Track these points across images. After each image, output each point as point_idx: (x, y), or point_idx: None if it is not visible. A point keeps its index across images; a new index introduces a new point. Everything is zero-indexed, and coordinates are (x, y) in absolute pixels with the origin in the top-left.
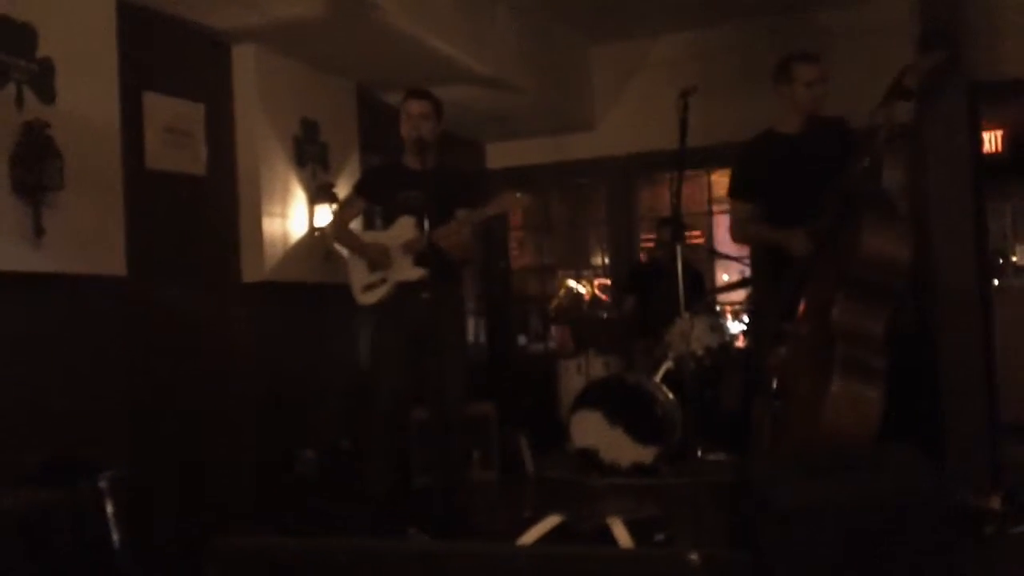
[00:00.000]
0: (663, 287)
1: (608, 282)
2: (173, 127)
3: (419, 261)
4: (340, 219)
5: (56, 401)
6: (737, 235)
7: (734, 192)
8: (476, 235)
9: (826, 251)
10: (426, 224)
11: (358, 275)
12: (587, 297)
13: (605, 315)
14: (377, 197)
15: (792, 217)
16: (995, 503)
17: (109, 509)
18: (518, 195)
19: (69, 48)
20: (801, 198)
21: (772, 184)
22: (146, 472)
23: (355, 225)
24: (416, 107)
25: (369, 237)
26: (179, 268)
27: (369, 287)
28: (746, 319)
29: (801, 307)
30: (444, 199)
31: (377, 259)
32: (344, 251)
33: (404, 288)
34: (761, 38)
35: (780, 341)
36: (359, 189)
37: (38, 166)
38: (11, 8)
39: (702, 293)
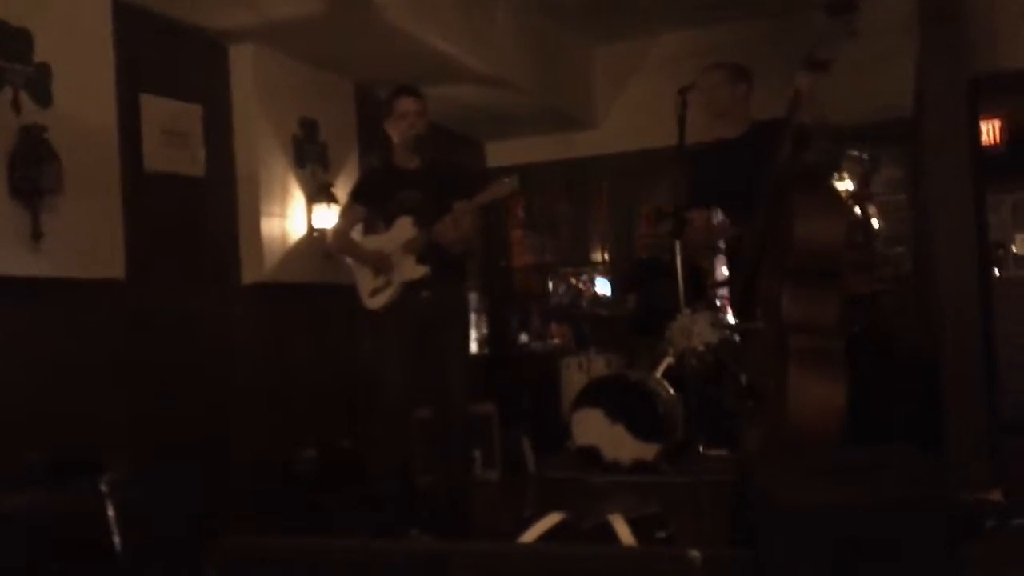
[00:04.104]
0: (663, 283)
1: (610, 279)
2: (171, 129)
3: (421, 260)
4: (340, 229)
5: (56, 404)
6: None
7: (693, 200)
8: (475, 225)
9: (769, 242)
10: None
11: (364, 281)
12: (587, 294)
13: (606, 312)
14: (375, 202)
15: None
16: (996, 495)
17: (110, 511)
18: (507, 179)
19: (65, 52)
20: (750, 199)
21: (723, 189)
22: (146, 473)
23: (356, 231)
24: (412, 105)
25: (370, 241)
26: (178, 270)
27: (375, 291)
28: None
29: (760, 303)
30: (441, 195)
31: (380, 264)
32: (349, 259)
33: (409, 288)
34: (760, 38)
35: (742, 338)
36: (356, 197)
37: (36, 170)
38: (7, 13)
39: (701, 289)
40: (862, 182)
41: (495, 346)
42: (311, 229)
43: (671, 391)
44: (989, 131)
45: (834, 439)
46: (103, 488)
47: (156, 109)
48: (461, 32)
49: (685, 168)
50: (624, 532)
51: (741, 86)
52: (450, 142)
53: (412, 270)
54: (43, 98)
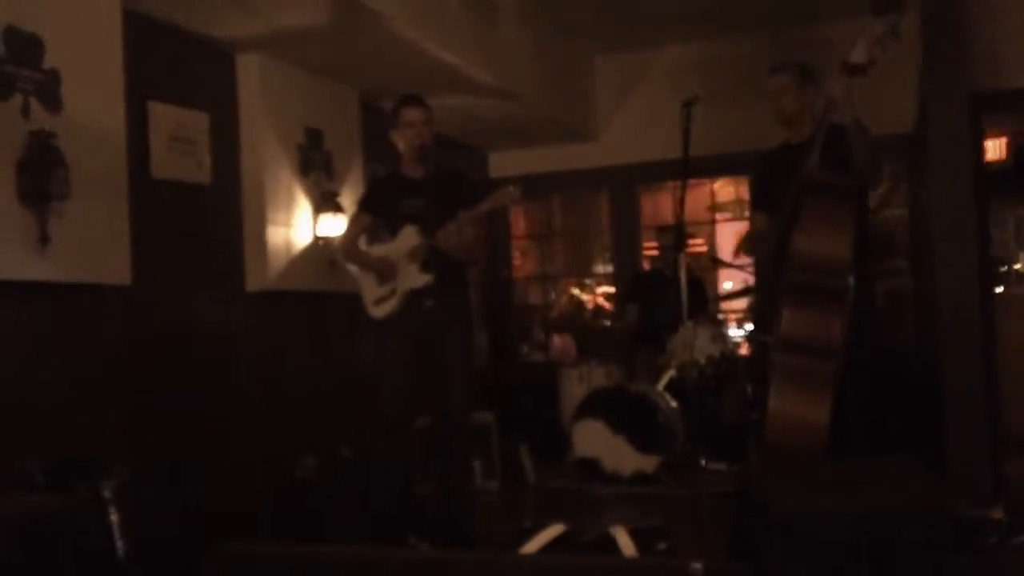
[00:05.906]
0: (665, 296)
1: (612, 290)
2: (178, 136)
3: (425, 267)
4: (348, 237)
5: (60, 408)
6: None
7: (752, 204)
8: (479, 234)
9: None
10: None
11: (369, 290)
12: (589, 306)
13: (607, 324)
14: (381, 210)
15: None
16: (997, 513)
17: (112, 516)
18: (511, 188)
19: (75, 58)
20: None
21: (783, 194)
22: (149, 478)
23: (361, 240)
24: (419, 115)
25: (376, 250)
26: (183, 276)
27: (380, 300)
28: (749, 328)
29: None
30: (446, 204)
31: (384, 272)
32: (354, 268)
33: (413, 296)
34: (763, 49)
35: (761, 351)
36: (364, 205)
37: (44, 175)
38: (18, 18)
39: (703, 301)
40: (883, 199)
41: (496, 356)
42: (316, 238)
43: (672, 403)
44: (996, 149)
45: (814, 458)
46: (105, 493)
47: (164, 116)
48: (465, 43)
49: (760, 167)
50: (626, 543)
51: (808, 90)
52: (454, 152)
53: (416, 278)
54: (52, 104)
